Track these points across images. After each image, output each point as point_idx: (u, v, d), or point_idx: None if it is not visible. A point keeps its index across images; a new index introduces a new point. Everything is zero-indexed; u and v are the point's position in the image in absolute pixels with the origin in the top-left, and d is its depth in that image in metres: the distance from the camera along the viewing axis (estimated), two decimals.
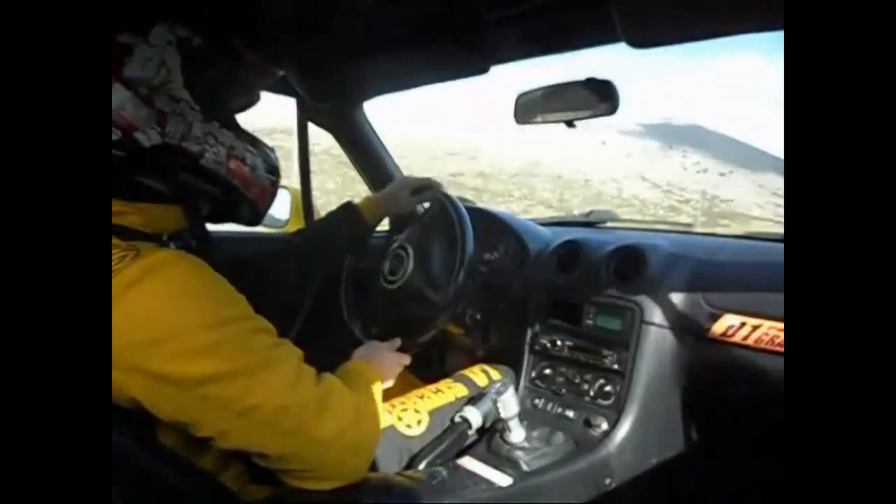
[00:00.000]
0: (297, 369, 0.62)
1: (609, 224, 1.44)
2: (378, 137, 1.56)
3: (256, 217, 0.81)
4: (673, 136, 42.08)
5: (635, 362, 0.99)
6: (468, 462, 0.89)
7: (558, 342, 1.11)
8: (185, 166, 0.69)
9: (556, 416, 1.05)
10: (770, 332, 0.88)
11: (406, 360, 0.98)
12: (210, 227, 0.79)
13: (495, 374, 1.14)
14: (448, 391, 1.05)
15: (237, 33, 0.75)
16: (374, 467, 0.70)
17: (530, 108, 1.20)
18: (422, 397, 1.02)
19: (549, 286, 1.16)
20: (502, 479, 0.84)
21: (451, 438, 0.94)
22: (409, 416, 0.96)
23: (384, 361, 0.92)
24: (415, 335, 1.05)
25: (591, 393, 1.03)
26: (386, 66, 1.17)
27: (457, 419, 0.97)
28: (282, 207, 2.35)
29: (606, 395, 1.01)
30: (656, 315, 1.00)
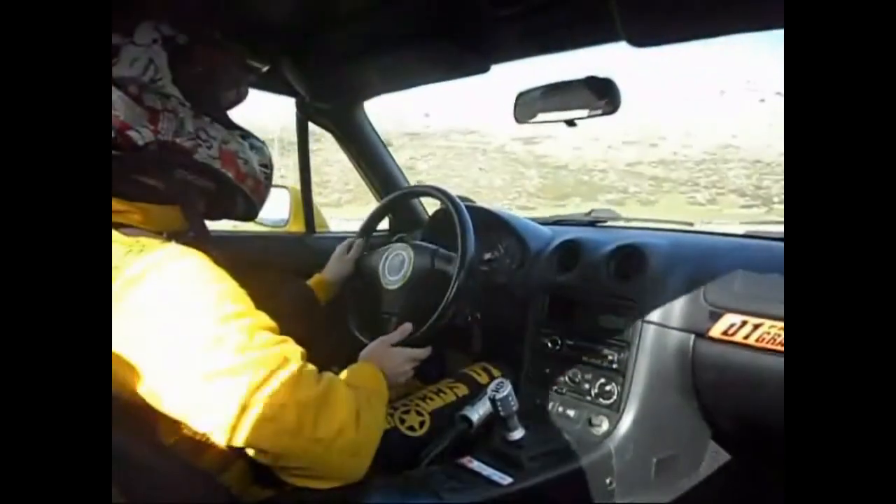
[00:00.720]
0: (298, 367, 0.62)
1: (609, 223, 1.44)
2: (378, 137, 1.56)
3: (252, 210, 0.81)
4: None
5: (636, 361, 0.99)
6: (468, 461, 0.89)
7: (559, 341, 1.10)
8: (179, 162, 0.69)
9: (557, 415, 1.05)
10: (770, 331, 0.88)
11: (420, 354, 0.97)
12: (209, 225, 0.80)
13: (496, 373, 1.14)
14: (450, 391, 1.05)
15: (219, 29, 0.75)
16: (377, 469, 0.70)
17: (530, 106, 1.20)
18: (424, 398, 1.02)
19: (549, 285, 1.16)
20: (502, 479, 0.84)
21: (451, 437, 0.94)
22: (412, 417, 0.96)
23: (392, 359, 0.92)
24: (415, 334, 1.05)
25: (592, 392, 1.03)
26: (386, 65, 1.17)
27: (457, 418, 0.97)
28: (281, 207, 2.34)
29: (607, 395, 1.01)
30: (657, 314, 1.00)
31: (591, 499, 0.91)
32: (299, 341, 0.65)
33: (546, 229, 1.32)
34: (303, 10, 0.96)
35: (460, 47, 1.04)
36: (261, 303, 0.64)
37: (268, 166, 0.81)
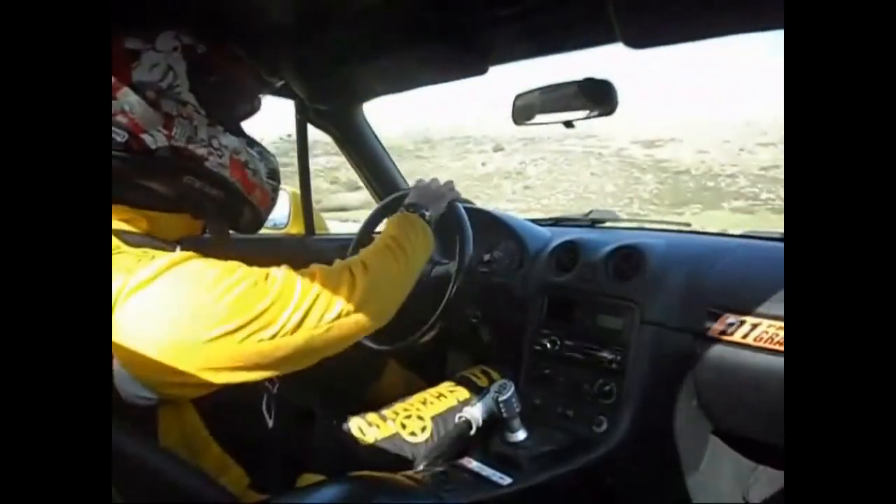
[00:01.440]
0: (301, 296, 0.63)
1: (608, 224, 1.44)
2: (377, 139, 1.56)
3: (258, 222, 0.82)
4: None
5: (635, 362, 0.99)
6: (468, 462, 0.89)
7: (558, 342, 1.11)
8: (190, 169, 0.70)
9: (556, 415, 1.05)
10: (770, 330, 0.88)
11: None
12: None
13: (495, 375, 1.14)
14: (450, 395, 1.05)
15: (238, 41, 0.77)
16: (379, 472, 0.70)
17: (528, 108, 1.21)
18: (424, 402, 1.02)
19: (548, 286, 1.16)
20: (502, 479, 0.84)
21: (452, 439, 0.95)
22: (413, 422, 0.97)
23: (433, 192, 1.00)
24: (415, 335, 1.05)
25: (591, 392, 1.03)
26: (383, 67, 1.17)
27: (458, 420, 0.97)
28: (281, 209, 2.35)
29: (606, 395, 1.01)
30: (655, 314, 1.00)
31: (591, 499, 0.91)
32: None
33: (545, 230, 1.32)
34: (301, 12, 0.96)
35: (458, 49, 1.04)
36: None
37: (275, 178, 0.82)
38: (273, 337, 0.60)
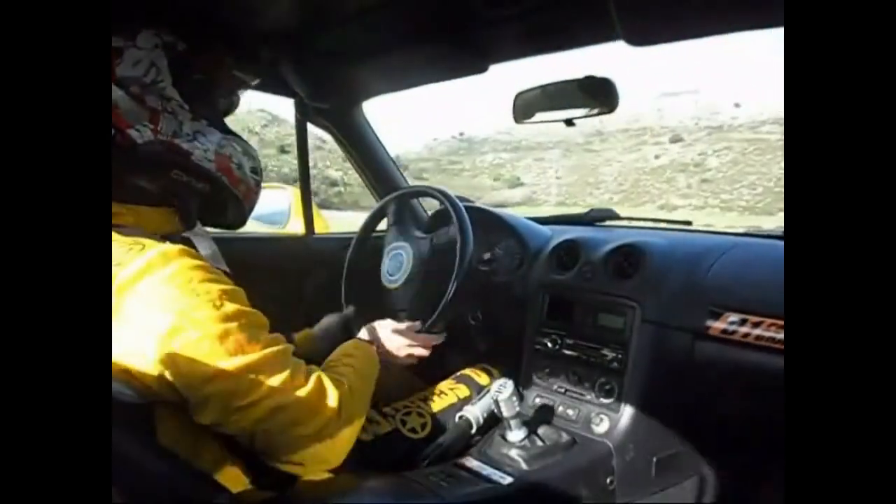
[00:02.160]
0: (291, 368, 0.65)
1: (608, 222, 1.44)
2: (377, 137, 1.56)
3: (242, 216, 0.83)
4: None
5: (635, 361, 0.99)
6: (468, 461, 0.89)
7: (558, 341, 1.10)
8: (176, 163, 0.71)
9: (557, 415, 1.05)
10: (770, 329, 0.88)
11: (421, 345, 0.99)
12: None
13: (496, 373, 1.14)
14: (451, 392, 1.05)
15: (217, 40, 0.78)
16: (378, 470, 0.70)
17: (529, 106, 1.21)
18: (425, 400, 1.02)
19: (548, 285, 1.16)
20: (502, 479, 0.84)
21: (452, 438, 0.95)
22: (413, 419, 0.97)
23: (392, 342, 0.96)
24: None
25: (592, 391, 1.03)
26: (383, 66, 1.17)
27: (458, 419, 0.97)
28: (282, 207, 2.35)
29: (606, 394, 1.01)
30: (656, 313, 1.00)
31: (591, 499, 0.91)
32: None
33: (545, 229, 1.32)
34: (301, 11, 0.96)
35: (458, 48, 1.04)
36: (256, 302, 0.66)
37: (258, 172, 0.83)
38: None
